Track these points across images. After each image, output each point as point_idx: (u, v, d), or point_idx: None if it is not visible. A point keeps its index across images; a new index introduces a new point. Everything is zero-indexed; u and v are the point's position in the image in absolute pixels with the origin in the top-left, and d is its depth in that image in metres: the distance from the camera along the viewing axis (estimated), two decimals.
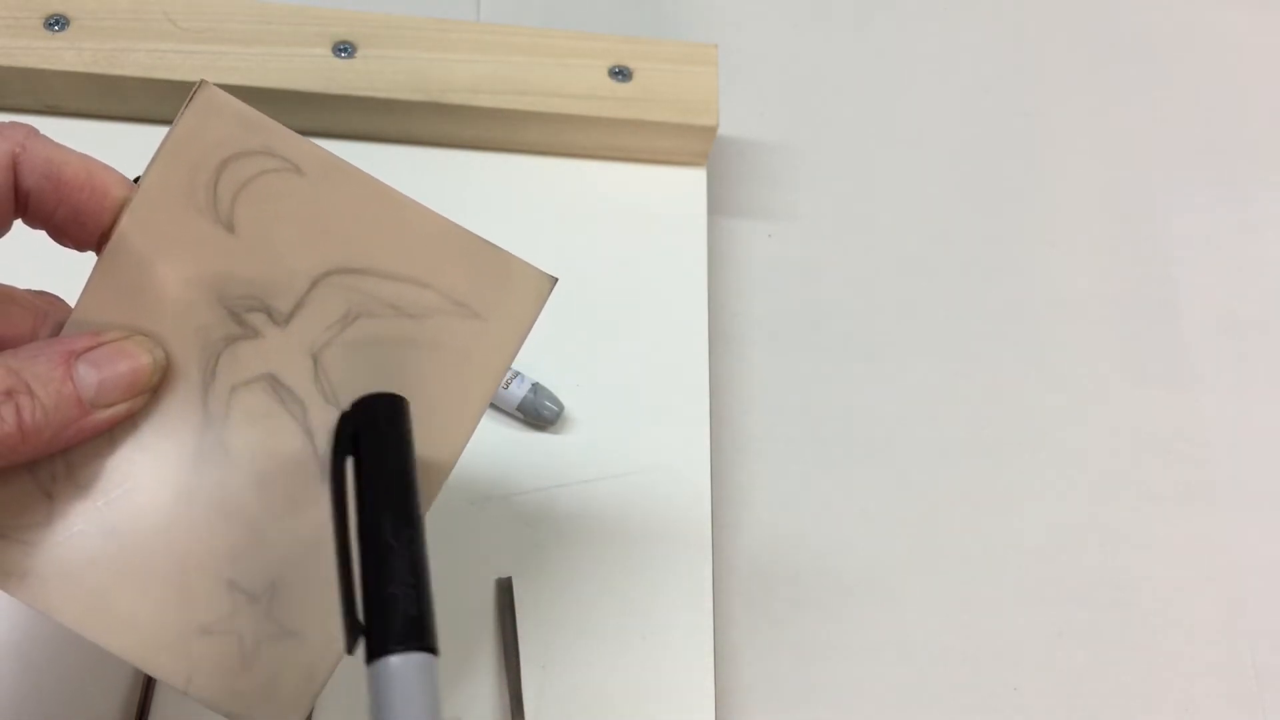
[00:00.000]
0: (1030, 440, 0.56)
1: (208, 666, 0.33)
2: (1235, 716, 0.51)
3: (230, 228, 0.34)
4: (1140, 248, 0.62)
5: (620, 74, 0.53)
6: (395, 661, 0.28)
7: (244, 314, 0.34)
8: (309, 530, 0.34)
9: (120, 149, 0.51)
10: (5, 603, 0.43)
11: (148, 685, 0.42)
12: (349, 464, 0.32)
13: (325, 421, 0.34)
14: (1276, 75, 0.68)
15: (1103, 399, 0.57)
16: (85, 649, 0.43)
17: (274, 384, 0.34)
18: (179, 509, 0.33)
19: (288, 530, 0.34)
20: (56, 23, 0.50)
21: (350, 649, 0.29)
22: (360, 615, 0.30)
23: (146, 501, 0.33)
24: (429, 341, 0.34)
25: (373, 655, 0.29)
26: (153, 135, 0.51)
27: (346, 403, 0.33)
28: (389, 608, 0.29)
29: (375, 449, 0.32)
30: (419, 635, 0.29)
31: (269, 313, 0.34)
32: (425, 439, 0.34)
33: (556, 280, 0.35)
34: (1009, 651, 0.51)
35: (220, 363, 0.34)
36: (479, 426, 0.44)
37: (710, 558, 0.48)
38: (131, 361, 0.33)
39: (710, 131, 0.53)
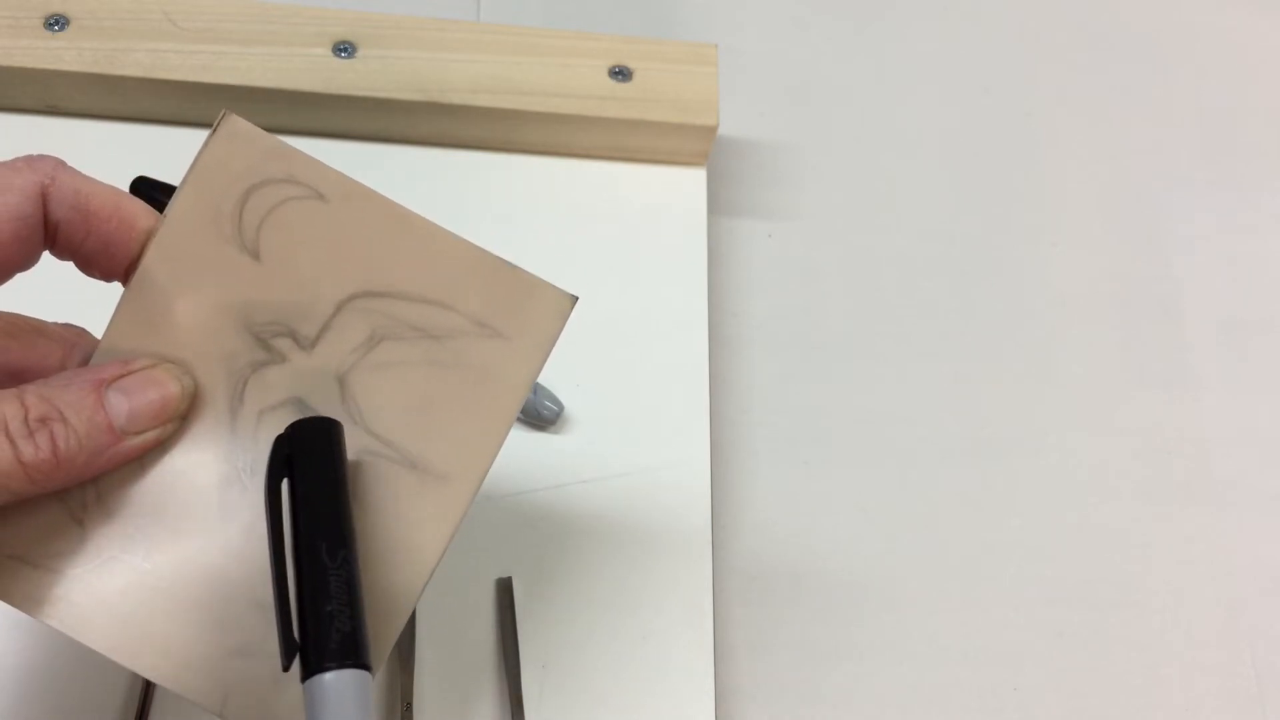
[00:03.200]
0: (1030, 440, 0.56)
1: (243, 689, 0.33)
2: (1236, 717, 0.51)
3: (255, 255, 0.35)
4: (1141, 248, 0.62)
5: (620, 74, 0.53)
6: (329, 679, 0.29)
7: (270, 339, 0.34)
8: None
9: (121, 149, 0.51)
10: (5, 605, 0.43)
11: (148, 686, 0.42)
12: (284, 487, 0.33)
13: (353, 444, 0.34)
14: (1277, 75, 0.69)
15: (1103, 399, 0.57)
16: (86, 651, 0.43)
17: (301, 408, 0.34)
18: (209, 533, 0.33)
19: None
20: (57, 23, 0.50)
21: (286, 667, 0.30)
22: (296, 634, 0.30)
23: (177, 527, 0.33)
24: (453, 362, 0.35)
25: (308, 672, 0.29)
26: (153, 135, 0.51)
27: (375, 424, 0.34)
28: (324, 626, 0.30)
29: (309, 473, 0.33)
30: (353, 652, 0.30)
31: (294, 338, 0.35)
32: (452, 457, 0.34)
33: (577, 299, 0.36)
34: (1009, 651, 0.51)
35: (248, 388, 0.34)
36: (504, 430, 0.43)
37: (710, 557, 0.47)
38: (161, 389, 0.33)
39: (710, 131, 0.53)
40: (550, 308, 0.36)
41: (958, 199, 0.62)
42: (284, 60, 0.51)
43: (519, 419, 0.48)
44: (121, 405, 0.33)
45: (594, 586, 0.46)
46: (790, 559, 0.52)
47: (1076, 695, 0.50)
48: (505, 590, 0.45)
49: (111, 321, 0.34)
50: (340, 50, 0.51)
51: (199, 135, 0.52)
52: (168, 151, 0.51)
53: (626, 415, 0.50)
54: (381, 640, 0.33)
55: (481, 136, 0.53)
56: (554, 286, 0.36)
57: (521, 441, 0.48)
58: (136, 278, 0.34)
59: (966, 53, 0.66)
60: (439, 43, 0.52)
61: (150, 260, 0.34)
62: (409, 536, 0.34)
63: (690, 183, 0.55)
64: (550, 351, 0.36)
